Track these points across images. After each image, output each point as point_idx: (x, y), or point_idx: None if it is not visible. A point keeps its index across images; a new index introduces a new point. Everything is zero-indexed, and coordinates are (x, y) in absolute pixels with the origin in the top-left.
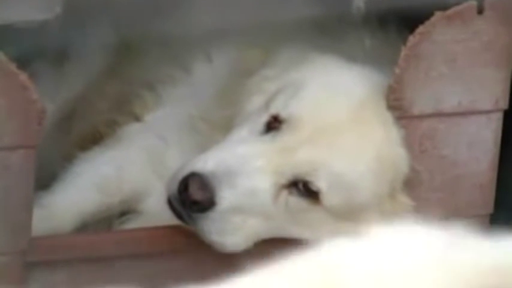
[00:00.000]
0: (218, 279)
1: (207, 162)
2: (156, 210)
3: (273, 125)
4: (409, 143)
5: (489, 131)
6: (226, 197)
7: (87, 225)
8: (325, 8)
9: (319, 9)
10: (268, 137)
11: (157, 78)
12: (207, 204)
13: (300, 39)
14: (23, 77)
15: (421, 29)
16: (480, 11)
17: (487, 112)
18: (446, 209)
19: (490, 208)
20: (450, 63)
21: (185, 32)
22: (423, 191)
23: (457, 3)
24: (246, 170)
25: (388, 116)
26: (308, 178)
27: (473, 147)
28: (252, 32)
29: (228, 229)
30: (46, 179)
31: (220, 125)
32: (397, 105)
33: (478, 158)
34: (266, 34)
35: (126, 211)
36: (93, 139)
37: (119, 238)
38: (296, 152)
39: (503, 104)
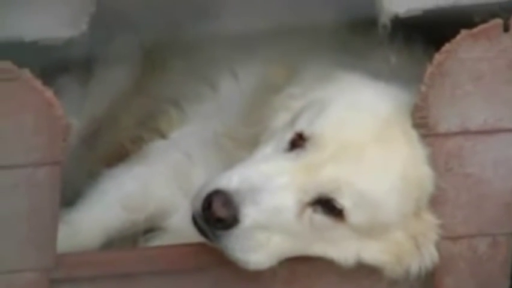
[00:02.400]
0: None
1: (231, 180)
2: (181, 228)
3: (298, 142)
4: (435, 161)
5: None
6: (249, 215)
7: (112, 241)
8: (351, 26)
9: (345, 27)
10: (293, 154)
11: (183, 94)
12: (231, 221)
13: (325, 56)
14: (49, 93)
15: (447, 46)
16: (506, 28)
17: None
18: (472, 227)
19: None
20: (476, 81)
21: (211, 47)
22: (449, 209)
23: (483, 21)
24: (270, 188)
25: (413, 134)
26: (332, 196)
27: (499, 166)
28: (278, 48)
29: (251, 246)
30: (71, 195)
31: (246, 142)
32: (422, 123)
33: (504, 176)
34: (292, 51)
35: (151, 228)
36: (119, 156)
37: (144, 255)
38: (320, 170)
39: None
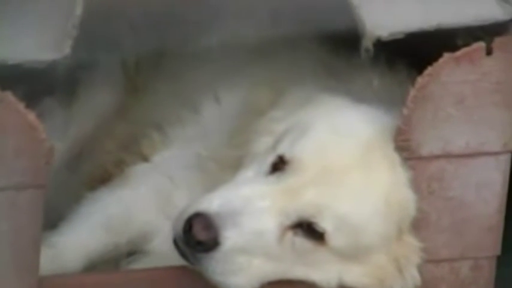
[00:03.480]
0: None
1: (212, 203)
2: (163, 251)
3: (279, 166)
4: (417, 184)
5: (497, 172)
6: (230, 237)
7: (95, 264)
8: (334, 49)
9: (327, 51)
10: (274, 177)
11: (165, 118)
12: (211, 244)
13: (308, 80)
14: (31, 116)
15: (429, 70)
16: (489, 52)
17: (496, 154)
18: (454, 250)
19: (497, 250)
20: (458, 104)
21: (194, 71)
22: (431, 233)
23: (466, 44)
24: (251, 211)
25: (395, 157)
26: (313, 219)
27: (481, 189)
28: (261, 72)
29: (232, 270)
30: (54, 218)
31: (229, 165)
32: (405, 146)
33: (486, 200)
34: (276, 75)
35: (133, 251)
36: (101, 179)
37: (126, 278)
38: (301, 194)
39: None
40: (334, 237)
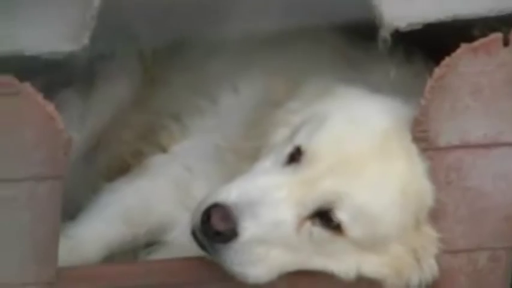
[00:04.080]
0: None
1: (230, 193)
2: (182, 241)
3: (296, 156)
4: (435, 175)
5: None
6: (248, 228)
7: (113, 255)
8: (351, 40)
9: (345, 41)
10: (291, 168)
11: (184, 109)
12: (229, 235)
13: (325, 70)
14: (50, 107)
15: (447, 60)
16: (506, 43)
17: None
18: (471, 240)
19: None
20: (476, 95)
21: (212, 61)
22: (448, 223)
23: (483, 35)
24: (268, 201)
25: (413, 148)
26: (330, 209)
27: (499, 179)
28: (278, 62)
29: (250, 260)
30: (73, 209)
31: (247, 156)
32: (422, 137)
33: (504, 190)
34: (293, 65)
35: (152, 242)
36: (119, 169)
37: (145, 269)
38: (318, 184)
39: None
40: (352, 227)
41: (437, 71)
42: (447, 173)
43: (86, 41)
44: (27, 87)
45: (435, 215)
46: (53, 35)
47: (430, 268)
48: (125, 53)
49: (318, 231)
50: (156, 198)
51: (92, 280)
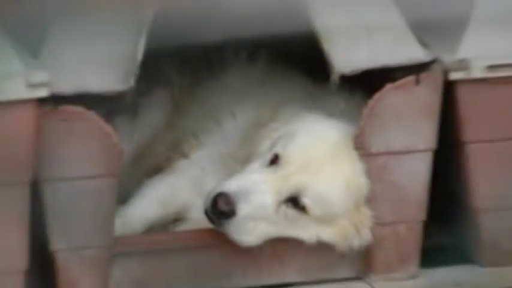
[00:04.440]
0: (238, 263)
1: (230, 185)
2: (198, 218)
3: (275, 160)
4: (369, 172)
5: (423, 164)
6: (243, 209)
7: (152, 228)
8: (314, 80)
9: (310, 82)
10: (271, 169)
11: (199, 128)
12: (230, 213)
13: (295, 102)
14: (108, 128)
15: (377, 95)
16: (417, 82)
17: (421, 151)
18: (395, 216)
19: (423, 217)
20: (397, 118)
21: (218, 96)
22: (379, 205)
23: (402, 77)
24: (256, 191)
25: (354, 154)
26: (299, 197)
27: (413, 176)
28: (265, 98)
29: (244, 231)
30: (124, 197)
31: (242, 160)
32: (360, 146)
33: (416, 183)
34: (272, 99)
35: (177, 218)
36: (156, 170)
37: (172, 237)
38: (290, 179)
39: (433, 146)
40: (313, 208)
41: (371, 102)
42: (377, 171)
43: (132, 83)
44: (92, 114)
45: (369, 200)
46: (109, 79)
47: (366, 236)
48: (159, 90)
49: (290, 211)
50: (180, 189)
51: (137, 245)
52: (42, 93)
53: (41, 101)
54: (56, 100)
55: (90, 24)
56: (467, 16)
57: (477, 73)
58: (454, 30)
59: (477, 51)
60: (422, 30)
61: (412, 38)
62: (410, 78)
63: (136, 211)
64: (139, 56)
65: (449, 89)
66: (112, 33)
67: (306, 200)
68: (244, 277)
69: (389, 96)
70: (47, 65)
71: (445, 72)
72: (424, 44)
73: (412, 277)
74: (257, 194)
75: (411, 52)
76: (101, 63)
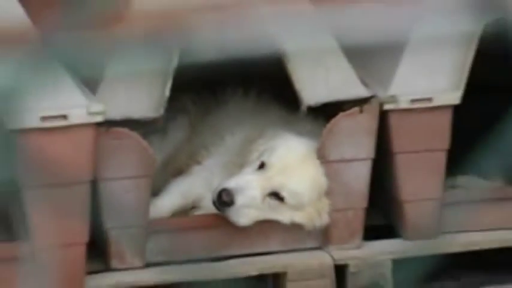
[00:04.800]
0: (236, 238)
1: (230, 183)
2: (208, 206)
3: (262, 166)
4: (327, 174)
5: (365, 168)
6: (239, 200)
7: (175, 213)
8: (290, 110)
9: (287, 112)
10: (259, 172)
11: (209, 142)
12: (230, 203)
13: (276, 126)
14: (145, 143)
15: (332, 121)
16: (361, 111)
17: (365, 159)
18: (345, 205)
19: (365, 204)
20: (347, 136)
21: (222, 121)
22: (333, 197)
23: (350, 107)
24: (249, 187)
25: (317, 162)
26: (279, 191)
27: (356, 177)
28: (253, 123)
29: (240, 215)
30: (156, 191)
31: (238, 166)
32: (321, 156)
33: (360, 181)
34: (259, 124)
35: (193, 206)
36: (178, 172)
37: (191, 219)
38: (272, 179)
39: (372, 156)
40: (289, 200)
41: (328, 125)
42: (333, 174)
43: (162, 111)
44: (134, 134)
45: (327, 193)
46: (146, 108)
47: (325, 218)
48: (180, 117)
49: (272, 201)
50: (195, 186)
51: (165, 225)
52: (99, 119)
53: (98, 124)
54: (108, 123)
55: (132, 67)
56: (396, 63)
57: (403, 105)
58: (386, 74)
59: (403, 89)
60: (364, 73)
61: (357, 80)
62: (356, 108)
63: (165, 201)
64: (167, 92)
65: (383, 116)
66: (148, 75)
67: (283, 194)
68: (240, 247)
69: (341, 121)
70: (104, 97)
71: (381, 104)
72: (365, 83)
73: (358, 247)
74: (249, 189)
75: (356, 90)
76: (140, 97)
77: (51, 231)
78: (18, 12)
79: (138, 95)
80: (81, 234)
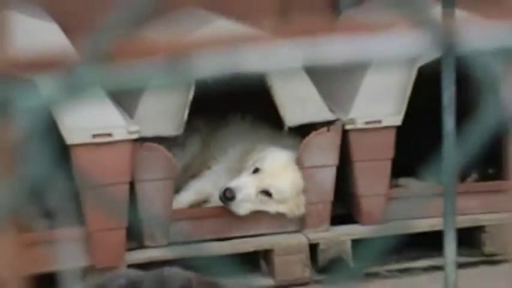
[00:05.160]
0: (236, 223)
1: (232, 183)
2: (216, 201)
3: (256, 171)
4: (304, 177)
5: (332, 173)
6: (239, 196)
7: (192, 205)
8: (276, 130)
9: (274, 132)
10: (254, 175)
11: (216, 153)
12: (232, 198)
13: (264, 142)
14: (169, 155)
15: (307, 138)
16: (328, 130)
17: (331, 166)
18: (316, 199)
19: (332, 198)
20: (318, 149)
21: (225, 138)
22: (308, 194)
23: (320, 127)
24: (246, 187)
25: (297, 168)
26: (268, 190)
27: (326, 178)
28: (248, 141)
29: (239, 207)
30: (177, 190)
31: (238, 171)
32: (300, 163)
33: (328, 182)
34: (253, 142)
35: (205, 201)
36: (194, 176)
37: (203, 210)
38: (264, 181)
39: (337, 163)
40: (276, 196)
41: (304, 141)
42: (308, 177)
43: (182, 130)
44: (161, 147)
45: (304, 191)
46: (170, 128)
47: (302, 210)
48: (194, 134)
49: (263, 197)
50: (206, 186)
51: (185, 214)
52: (135, 136)
53: (135, 140)
54: (142, 139)
55: (159, 96)
56: (354, 92)
57: (359, 125)
58: (347, 101)
59: (359, 113)
60: (331, 101)
61: (325, 107)
62: (325, 128)
63: (184, 197)
64: (186, 116)
65: (345, 134)
66: (170, 102)
67: (272, 191)
68: (239, 231)
69: (314, 138)
70: (139, 119)
71: (343, 125)
72: (331, 110)
73: (326, 230)
74: (246, 188)
75: (325, 115)
76: (165, 120)
77: (101, 219)
78: (65, 41)
79: (164, 118)
80: (122, 221)
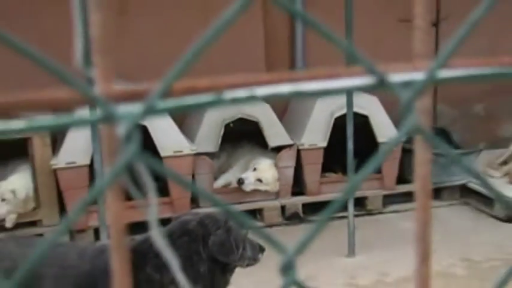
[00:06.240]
0: (244, 195)
1: (242, 175)
2: (234, 184)
3: (254, 169)
4: (278, 172)
5: (290, 171)
6: (246, 181)
7: (223, 187)
8: (264, 149)
9: (261, 150)
10: (253, 172)
11: (234, 161)
12: (242, 183)
13: (259, 155)
14: (211, 161)
15: (280, 153)
16: (290, 150)
17: (291, 167)
18: (283, 183)
19: (291, 184)
20: (286, 159)
21: (235, 156)
22: (281, 180)
23: (287, 147)
24: (248, 177)
25: (275, 168)
26: (261, 178)
27: (289, 174)
28: (247, 156)
29: (246, 187)
30: (215, 179)
31: (245, 169)
32: (276, 165)
33: (289, 176)
34: (250, 157)
35: (229, 184)
36: (223, 172)
37: (229, 189)
38: (258, 174)
39: (294, 164)
40: (264, 182)
41: (278, 155)
42: (280, 172)
43: (217, 148)
44: (207, 158)
45: (277, 180)
46: (211, 146)
47: (277, 188)
48: (223, 151)
49: (258, 182)
50: (230, 177)
51: (219, 191)
52: (194, 152)
53: (194, 154)
54: (197, 154)
55: (207, 129)
56: (305, 124)
57: (306, 147)
58: (298, 131)
59: (306, 140)
60: (291, 132)
61: (287, 136)
62: (288, 148)
63: (219, 182)
64: (220, 141)
65: (299, 151)
66: (212, 127)
67: (262, 179)
68: (246, 198)
69: (284, 154)
70: (198, 142)
71: (297, 146)
72: (291, 137)
73: (289, 199)
74: (249, 178)
75: (288, 140)
76: (209, 141)
77: (178, 192)
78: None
79: (209, 140)
80: (188, 193)
